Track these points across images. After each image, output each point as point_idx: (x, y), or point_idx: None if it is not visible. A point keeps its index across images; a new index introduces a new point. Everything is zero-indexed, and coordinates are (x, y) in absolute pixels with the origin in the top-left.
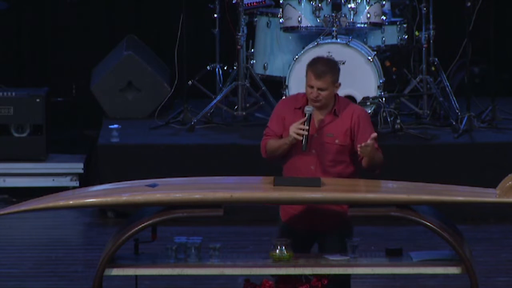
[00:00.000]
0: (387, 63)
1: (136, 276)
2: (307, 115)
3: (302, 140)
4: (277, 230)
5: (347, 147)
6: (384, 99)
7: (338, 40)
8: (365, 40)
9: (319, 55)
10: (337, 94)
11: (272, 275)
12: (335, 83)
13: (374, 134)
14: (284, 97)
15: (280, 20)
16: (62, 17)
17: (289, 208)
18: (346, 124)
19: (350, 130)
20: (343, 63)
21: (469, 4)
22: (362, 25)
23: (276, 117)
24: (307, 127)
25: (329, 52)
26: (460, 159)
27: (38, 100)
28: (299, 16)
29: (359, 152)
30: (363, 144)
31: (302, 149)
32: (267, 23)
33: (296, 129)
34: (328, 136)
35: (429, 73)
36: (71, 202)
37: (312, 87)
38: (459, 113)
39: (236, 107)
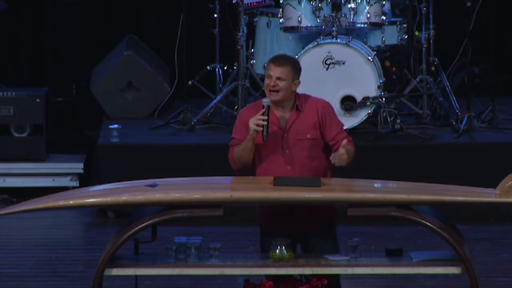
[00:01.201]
0: (387, 63)
1: (136, 276)
2: (264, 106)
3: (263, 131)
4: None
5: (319, 140)
6: (384, 99)
7: (338, 40)
8: (365, 40)
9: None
10: (297, 92)
11: (272, 275)
12: (295, 80)
13: (344, 141)
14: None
15: (280, 20)
16: (62, 17)
17: (267, 211)
18: (313, 117)
19: (318, 123)
20: (343, 63)
21: (469, 4)
22: (362, 25)
23: (240, 126)
24: (266, 117)
25: (329, 52)
26: (460, 159)
27: (38, 100)
28: (299, 16)
29: (333, 163)
30: (335, 155)
31: (263, 140)
32: (267, 23)
33: (256, 121)
34: (299, 133)
35: (429, 73)
36: (71, 202)
37: (270, 76)
38: (459, 113)
39: (236, 107)
